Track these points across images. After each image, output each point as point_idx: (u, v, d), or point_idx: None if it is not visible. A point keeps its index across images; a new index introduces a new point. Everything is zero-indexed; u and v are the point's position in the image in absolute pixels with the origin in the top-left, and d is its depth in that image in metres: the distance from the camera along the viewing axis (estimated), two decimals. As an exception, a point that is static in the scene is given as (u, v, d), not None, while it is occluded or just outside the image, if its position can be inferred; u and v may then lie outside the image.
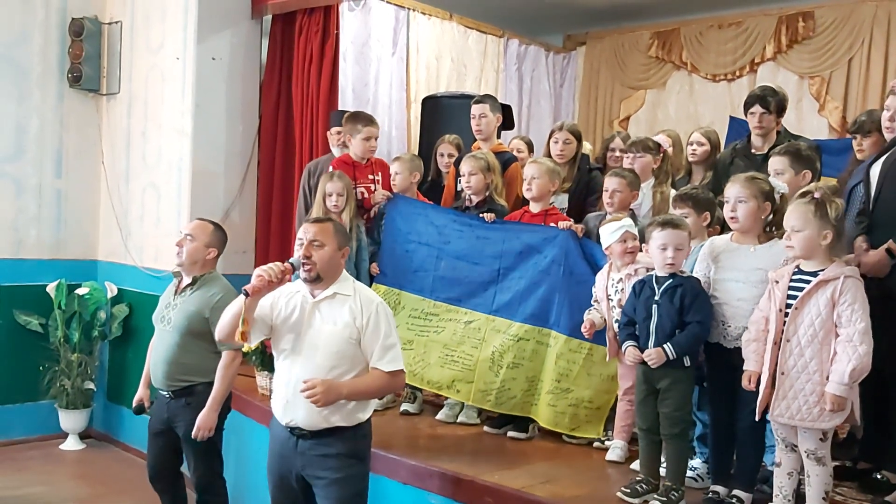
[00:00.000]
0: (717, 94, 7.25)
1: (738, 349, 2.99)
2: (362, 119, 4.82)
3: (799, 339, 2.74)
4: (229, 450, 4.20)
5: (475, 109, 4.86)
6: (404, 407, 4.45)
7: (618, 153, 4.92)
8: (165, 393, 3.90)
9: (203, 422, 3.74)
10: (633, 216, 3.89)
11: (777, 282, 2.83)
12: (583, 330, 3.70)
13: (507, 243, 4.29)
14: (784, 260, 2.92)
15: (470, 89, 6.55)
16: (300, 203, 5.10)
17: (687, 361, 3.09)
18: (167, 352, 3.86)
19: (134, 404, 4.09)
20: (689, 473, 3.30)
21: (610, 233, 3.59)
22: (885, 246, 3.01)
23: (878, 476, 3.35)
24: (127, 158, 6.31)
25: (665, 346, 3.05)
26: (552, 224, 4.20)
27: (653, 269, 3.28)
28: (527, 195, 4.27)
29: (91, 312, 6.21)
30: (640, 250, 3.56)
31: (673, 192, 4.14)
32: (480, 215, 4.36)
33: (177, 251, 3.91)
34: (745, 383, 2.91)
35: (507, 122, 5.43)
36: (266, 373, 4.60)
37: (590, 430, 3.98)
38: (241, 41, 5.98)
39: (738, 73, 7.13)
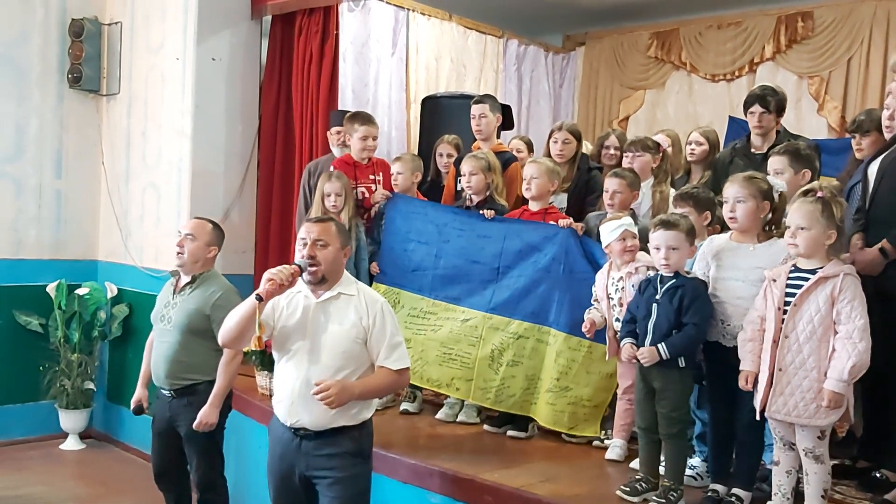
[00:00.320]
0: (717, 94, 7.26)
1: (737, 348, 2.99)
2: (359, 118, 4.83)
3: (797, 335, 2.75)
4: (229, 449, 4.20)
5: (475, 109, 4.87)
6: (404, 406, 4.45)
7: (612, 151, 4.92)
8: (167, 392, 3.91)
9: (205, 416, 3.75)
10: (634, 216, 3.89)
11: (774, 280, 2.84)
12: (583, 329, 3.71)
13: (507, 241, 4.30)
14: (784, 258, 2.93)
15: (469, 90, 6.56)
16: (300, 203, 5.10)
17: (682, 362, 3.09)
18: (168, 351, 3.87)
19: (132, 405, 4.10)
20: (688, 472, 3.30)
21: (609, 231, 3.60)
22: (879, 245, 3.02)
23: (878, 474, 3.35)
24: (127, 159, 6.32)
25: (659, 345, 3.06)
26: (552, 222, 4.20)
27: (653, 267, 3.29)
28: (526, 195, 4.28)
29: (91, 312, 6.21)
30: (641, 249, 3.58)
31: (672, 192, 4.15)
32: (481, 212, 4.36)
33: (177, 251, 3.91)
34: (741, 383, 2.92)
35: (507, 123, 5.44)
36: (266, 372, 4.60)
37: (587, 428, 3.99)
38: (240, 42, 5.99)
39: (737, 73, 7.14)
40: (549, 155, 4.70)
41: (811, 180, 3.36)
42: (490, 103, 4.89)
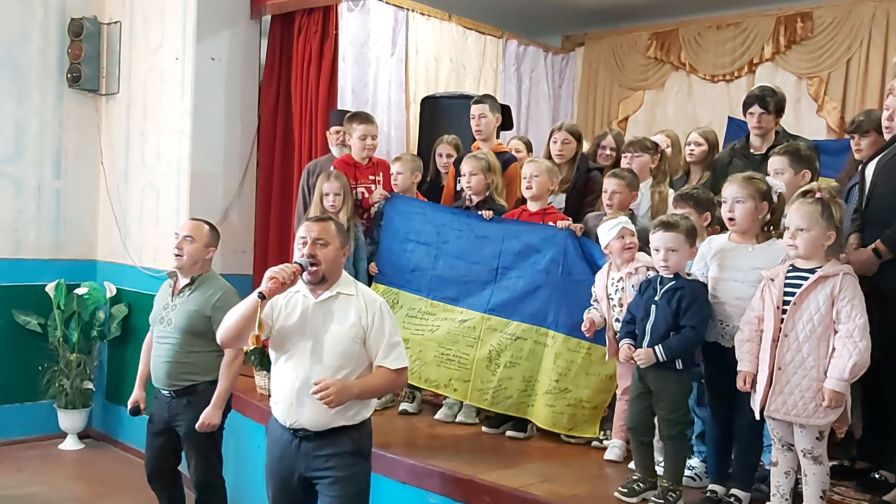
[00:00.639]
0: (716, 95, 7.25)
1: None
2: (358, 118, 4.84)
3: (797, 334, 2.75)
4: (228, 450, 4.20)
5: (475, 109, 4.87)
6: (403, 406, 4.46)
7: (608, 151, 4.92)
8: (166, 392, 3.91)
9: (207, 417, 3.75)
10: (633, 216, 3.89)
11: (772, 280, 2.83)
12: (583, 329, 3.70)
13: (505, 242, 4.30)
14: (783, 259, 2.92)
15: (469, 90, 6.56)
16: (299, 203, 5.10)
17: (679, 364, 3.09)
18: (168, 352, 3.87)
19: (129, 405, 4.09)
20: (687, 473, 3.30)
21: (607, 230, 3.60)
22: (873, 245, 3.02)
23: (876, 475, 3.35)
24: (126, 159, 6.32)
25: (656, 347, 3.05)
26: (551, 223, 4.20)
27: (653, 268, 3.29)
28: (526, 194, 4.27)
29: (90, 312, 6.21)
30: (641, 250, 3.58)
31: (671, 193, 4.15)
32: (479, 213, 4.36)
33: (176, 253, 3.90)
34: (739, 384, 2.91)
35: (506, 123, 5.44)
36: (265, 372, 4.60)
37: (587, 429, 3.99)
38: (240, 41, 5.98)
39: (736, 74, 7.13)
40: (548, 155, 4.70)
41: (811, 181, 3.36)
42: (490, 103, 4.89)
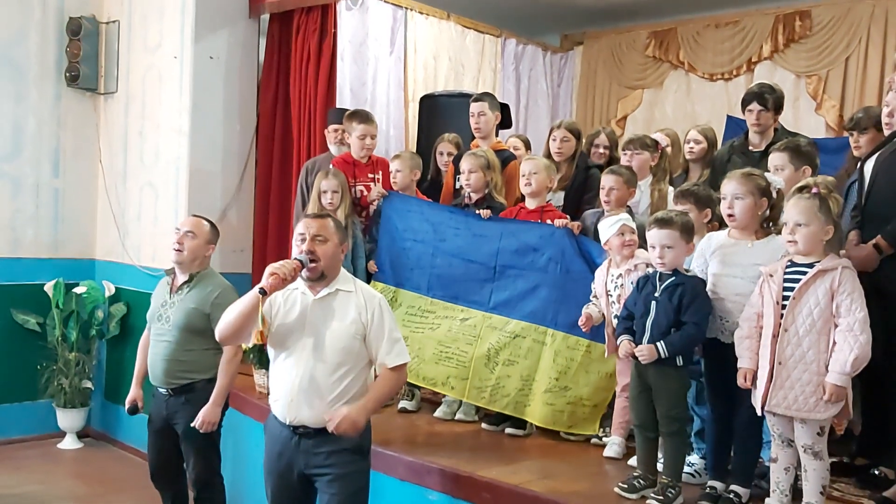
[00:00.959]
0: (715, 94, 7.26)
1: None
2: (357, 117, 4.84)
3: (797, 329, 2.75)
4: (227, 448, 4.20)
5: (474, 107, 4.87)
6: (402, 404, 4.45)
7: (602, 150, 4.93)
8: (164, 391, 3.90)
9: (207, 415, 3.75)
10: (630, 213, 3.89)
11: (771, 275, 2.83)
12: (580, 323, 3.71)
13: (503, 241, 4.30)
14: (783, 255, 2.92)
15: (468, 89, 6.55)
16: (298, 201, 5.10)
17: (679, 361, 3.09)
18: (166, 350, 3.86)
19: (127, 404, 4.08)
20: (686, 469, 3.30)
21: (607, 227, 3.60)
22: (873, 241, 3.02)
23: (876, 472, 3.36)
24: (124, 157, 6.31)
25: (658, 343, 3.05)
26: (549, 221, 4.20)
27: (652, 265, 3.28)
28: (525, 191, 4.27)
29: (89, 311, 6.20)
30: (640, 247, 3.58)
31: (671, 190, 4.16)
32: (477, 211, 4.36)
33: (176, 248, 3.89)
34: (740, 381, 2.91)
35: (505, 122, 5.44)
36: (264, 371, 4.59)
37: (587, 427, 3.98)
38: (238, 40, 5.98)
39: (735, 73, 7.14)
40: (548, 153, 4.71)
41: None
42: (489, 101, 4.90)
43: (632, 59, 7.83)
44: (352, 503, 3.02)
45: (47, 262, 6.28)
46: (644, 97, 7.78)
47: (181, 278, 3.94)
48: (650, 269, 3.31)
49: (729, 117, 5.92)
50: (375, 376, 3.16)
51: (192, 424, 3.76)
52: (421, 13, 6.54)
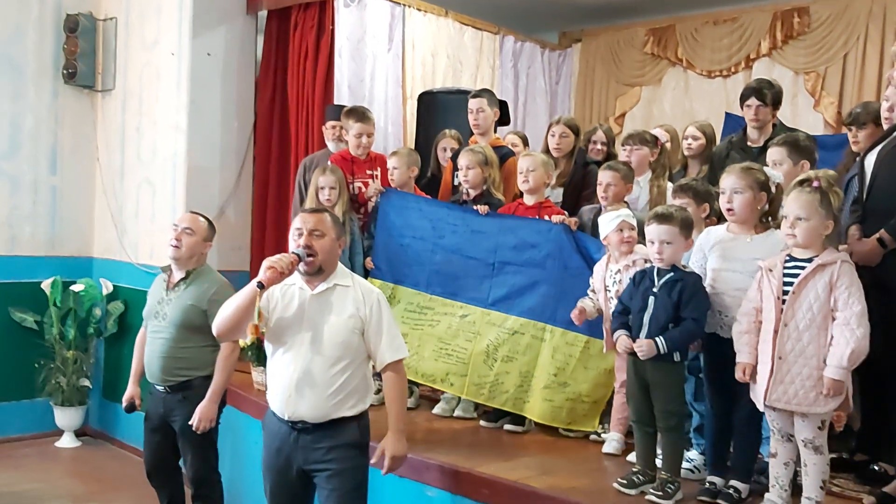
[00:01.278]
0: (713, 91, 7.26)
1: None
2: (354, 115, 4.82)
3: (797, 323, 2.73)
4: (225, 445, 4.19)
5: (473, 104, 4.86)
6: (400, 401, 4.43)
7: (599, 146, 4.92)
8: (161, 388, 3.89)
9: (203, 413, 3.73)
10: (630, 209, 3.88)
11: (771, 270, 2.82)
12: (572, 315, 3.70)
13: (501, 237, 4.29)
14: (783, 249, 2.91)
15: (466, 86, 6.54)
16: (296, 198, 5.09)
17: (677, 356, 3.08)
18: (163, 347, 3.85)
19: (124, 402, 4.07)
20: (686, 465, 3.30)
21: (607, 222, 3.59)
22: (877, 235, 3.00)
23: (876, 467, 3.34)
24: (122, 155, 6.30)
25: (657, 338, 3.04)
26: (546, 217, 4.19)
27: (651, 260, 3.28)
28: (523, 187, 4.26)
29: (86, 309, 6.19)
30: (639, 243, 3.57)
31: (670, 186, 4.15)
32: (475, 207, 4.35)
33: (174, 245, 3.88)
34: (738, 375, 2.90)
35: (504, 118, 5.43)
36: (262, 368, 4.58)
37: (586, 423, 3.98)
38: (236, 37, 5.97)
39: (733, 70, 7.13)
40: (546, 149, 4.70)
41: (810, 172, 3.34)
42: (488, 98, 4.89)
43: (630, 56, 7.82)
44: (351, 498, 3.02)
45: (45, 259, 6.27)
46: (642, 94, 7.77)
47: (178, 275, 3.93)
48: (648, 265, 3.30)
49: (727, 114, 5.90)
50: (373, 369, 3.17)
51: (189, 423, 3.75)
52: (419, 10, 6.53)
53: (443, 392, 4.40)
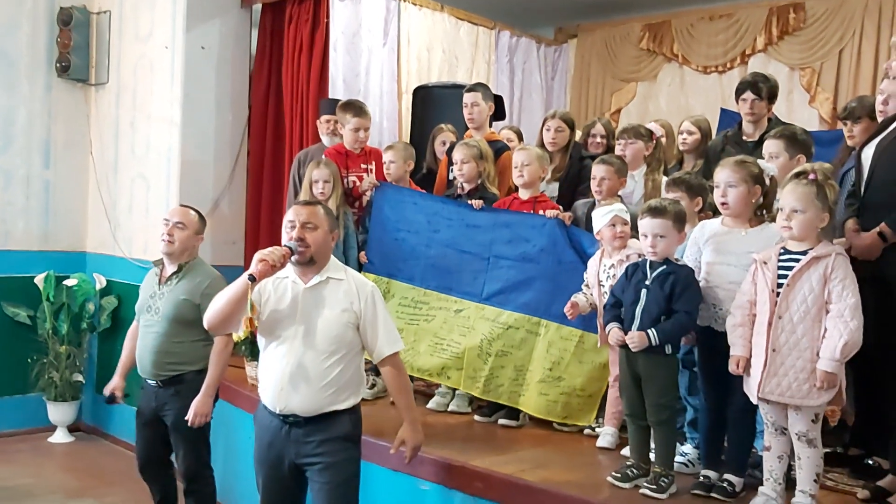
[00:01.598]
0: (708, 86, 7.24)
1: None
2: (352, 109, 4.80)
3: (791, 316, 2.73)
4: (218, 440, 4.18)
5: (467, 98, 4.84)
6: (395, 396, 4.42)
7: (599, 139, 4.91)
8: (153, 383, 3.88)
9: (199, 407, 3.71)
10: (623, 204, 3.87)
11: (765, 262, 2.82)
12: (565, 310, 3.69)
13: (495, 232, 4.28)
14: (777, 242, 2.91)
15: (461, 81, 6.52)
16: (290, 193, 5.08)
17: (668, 349, 3.07)
18: (155, 341, 3.83)
19: (105, 392, 4.04)
20: (680, 459, 3.30)
21: (600, 217, 3.59)
22: (878, 229, 2.98)
23: (870, 461, 3.35)
24: (115, 149, 6.27)
25: (649, 330, 3.03)
26: (541, 212, 4.18)
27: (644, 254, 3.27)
28: (518, 182, 4.25)
29: (80, 304, 6.17)
30: (633, 237, 3.56)
31: (665, 180, 4.14)
32: (469, 202, 4.34)
33: (167, 239, 3.86)
34: (732, 368, 2.89)
35: (499, 113, 5.41)
36: (255, 363, 4.55)
37: (582, 417, 3.97)
38: (230, 30, 5.95)
39: (728, 65, 7.11)
40: (541, 143, 4.68)
41: (806, 167, 3.33)
42: (482, 92, 4.87)
43: (626, 51, 7.80)
44: (343, 491, 3.01)
45: (38, 254, 6.25)
46: (638, 90, 7.75)
47: (170, 269, 3.92)
48: (641, 259, 3.29)
49: (723, 110, 5.90)
50: (366, 362, 3.16)
51: (185, 418, 3.73)
52: (414, 4, 6.50)
53: (437, 387, 4.39)
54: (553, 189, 4.62)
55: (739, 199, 3.07)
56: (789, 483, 2.88)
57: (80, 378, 6.18)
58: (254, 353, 4.61)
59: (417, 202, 4.57)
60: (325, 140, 5.15)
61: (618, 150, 4.42)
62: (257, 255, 2.85)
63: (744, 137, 4.31)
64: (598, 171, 3.96)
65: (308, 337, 2.94)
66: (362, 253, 4.63)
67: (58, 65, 6.20)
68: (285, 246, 2.92)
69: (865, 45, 6.39)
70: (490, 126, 5.07)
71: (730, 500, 2.99)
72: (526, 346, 4.12)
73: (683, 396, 3.41)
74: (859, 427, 3.52)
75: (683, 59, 7.40)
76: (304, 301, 2.97)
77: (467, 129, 4.93)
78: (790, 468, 2.91)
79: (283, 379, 2.95)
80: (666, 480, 3.03)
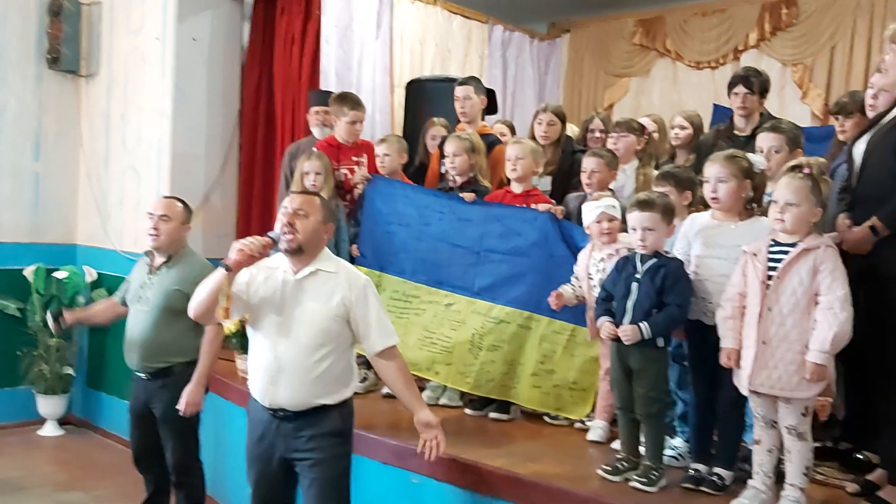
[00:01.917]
0: (701, 82, 7.25)
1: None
2: (349, 102, 4.77)
3: (781, 308, 2.73)
4: (209, 433, 4.17)
5: (459, 91, 4.83)
6: (386, 390, 4.40)
7: (598, 134, 4.91)
8: (143, 375, 3.86)
9: (191, 397, 3.70)
10: (613, 196, 3.86)
11: (755, 254, 2.82)
12: (549, 300, 3.69)
13: (488, 225, 4.26)
14: (768, 234, 2.91)
15: (454, 74, 6.50)
16: (282, 186, 5.06)
17: (660, 342, 3.08)
18: (143, 332, 3.82)
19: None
20: (670, 452, 3.30)
21: (588, 212, 3.58)
22: (869, 223, 2.99)
23: (860, 455, 3.36)
24: (106, 141, 6.24)
25: (641, 324, 3.03)
26: (533, 206, 4.17)
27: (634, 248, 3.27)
28: (511, 176, 4.24)
29: (70, 297, 6.13)
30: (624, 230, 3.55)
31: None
32: (461, 195, 4.33)
33: (153, 234, 3.86)
34: (723, 360, 2.89)
35: (491, 107, 5.41)
36: (246, 356, 4.53)
37: (575, 411, 3.97)
38: (222, 22, 5.92)
39: (721, 61, 7.13)
40: (533, 136, 4.68)
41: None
42: (474, 85, 4.86)
43: (619, 47, 7.81)
44: (334, 487, 2.99)
45: (28, 246, 6.22)
46: (631, 85, 7.76)
47: (160, 259, 3.92)
48: (631, 253, 3.29)
49: (716, 106, 5.90)
50: (358, 356, 3.14)
51: (173, 411, 3.72)
52: (407, -3, 6.49)
53: (428, 380, 4.38)
54: (546, 183, 4.61)
55: (730, 194, 3.07)
56: (779, 477, 2.88)
57: (69, 371, 6.16)
58: (244, 346, 4.57)
59: (409, 195, 4.55)
60: (316, 132, 5.13)
61: (609, 144, 4.42)
62: (236, 244, 2.82)
63: (735, 132, 4.31)
64: (588, 163, 3.97)
65: (294, 329, 2.91)
66: (354, 246, 4.61)
67: (48, 56, 6.17)
68: (268, 236, 2.89)
69: (857, 42, 6.41)
70: (482, 120, 5.06)
71: (719, 493, 3.00)
72: (517, 341, 4.11)
73: (673, 390, 3.42)
74: (849, 421, 3.52)
75: (676, 54, 7.42)
76: (291, 293, 2.94)
77: (459, 122, 4.91)
78: (780, 462, 2.91)
79: (270, 372, 2.93)
80: (656, 474, 3.04)
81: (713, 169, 3.11)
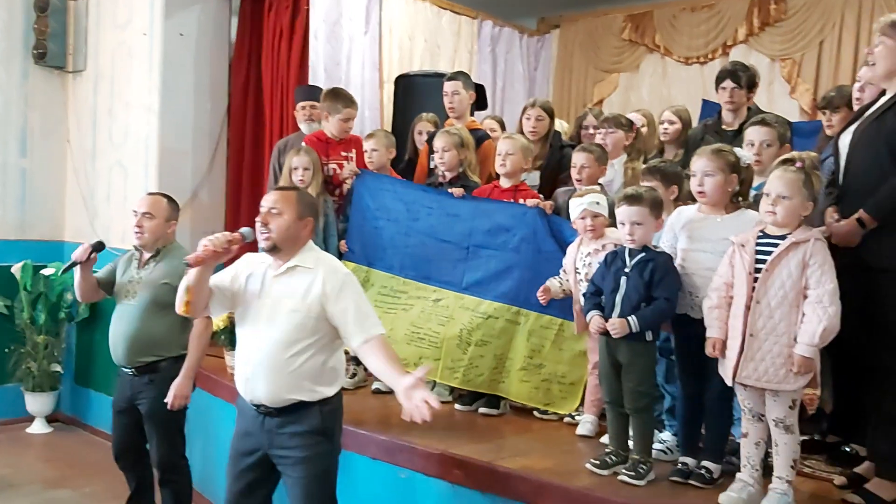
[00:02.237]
0: (690, 77, 7.27)
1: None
2: (343, 99, 4.76)
3: (769, 300, 2.73)
4: (197, 429, 4.15)
5: (448, 87, 4.82)
6: (376, 385, 4.41)
7: (591, 130, 4.91)
8: (129, 370, 3.84)
9: (179, 390, 3.69)
10: (603, 191, 3.86)
11: (743, 245, 2.82)
12: (538, 295, 3.69)
13: (476, 221, 4.26)
14: (756, 224, 2.91)
15: (443, 70, 6.49)
16: (270, 181, 5.03)
17: (649, 336, 3.08)
18: (130, 327, 3.80)
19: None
20: (658, 446, 3.31)
21: (573, 208, 3.58)
22: (856, 215, 2.99)
23: (847, 448, 3.37)
24: (93, 137, 6.21)
25: (629, 317, 3.04)
26: (521, 201, 4.17)
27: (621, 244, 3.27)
28: (500, 171, 4.24)
29: (57, 294, 6.11)
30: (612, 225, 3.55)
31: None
32: (449, 190, 4.32)
33: (137, 232, 3.85)
34: (708, 350, 2.89)
35: (481, 102, 5.39)
36: (234, 352, 4.53)
37: (564, 406, 3.97)
38: (209, 17, 5.89)
39: (710, 56, 7.15)
40: (521, 132, 4.67)
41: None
42: (463, 80, 4.85)
43: (608, 42, 7.82)
44: (317, 486, 2.96)
45: (14, 243, 6.18)
46: (620, 81, 7.77)
47: (147, 254, 3.91)
48: (619, 248, 3.29)
49: (705, 101, 5.91)
50: (346, 352, 3.12)
51: (159, 407, 3.70)
52: (396, -8, 6.47)
53: (417, 376, 4.36)
54: (535, 178, 4.61)
55: (716, 188, 3.07)
56: (767, 470, 2.88)
57: (58, 368, 6.13)
58: (233, 343, 4.56)
59: (397, 190, 4.54)
60: (304, 127, 5.11)
61: (598, 139, 4.42)
62: (202, 241, 2.83)
63: (723, 126, 4.31)
64: (577, 158, 3.97)
65: (271, 325, 2.89)
66: (343, 241, 4.60)
67: (34, 52, 6.12)
68: (238, 232, 2.89)
69: (846, 37, 6.43)
70: (472, 115, 5.06)
71: (707, 486, 3.00)
72: (506, 336, 4.11)
73: (661, 384, 3.42)
74: (837, 414, 3.54)
75: (665, 49, 7.43)
76: (271, 289, 2.93)
77: (448, 118, 4.90)
78: (767, 455, 2.91)
79: (249, 367, 2.93)
80: (644, 467, 3.04)
81: (700, 163, 3.11)
